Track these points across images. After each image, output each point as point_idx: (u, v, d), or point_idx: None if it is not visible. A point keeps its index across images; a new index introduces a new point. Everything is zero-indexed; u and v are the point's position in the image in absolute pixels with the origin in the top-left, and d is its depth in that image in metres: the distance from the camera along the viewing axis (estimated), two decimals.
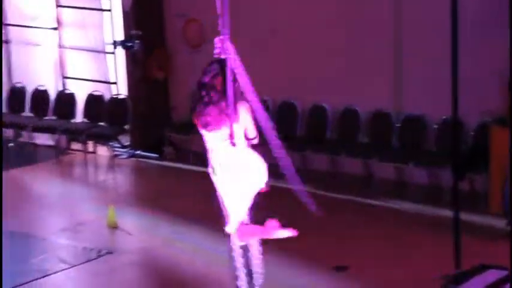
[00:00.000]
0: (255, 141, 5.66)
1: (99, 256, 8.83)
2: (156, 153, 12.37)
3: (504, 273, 7.94)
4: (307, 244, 8.95)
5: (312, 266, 8.33)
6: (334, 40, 11.17)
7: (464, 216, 8.18)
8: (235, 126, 5.45)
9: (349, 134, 11.18)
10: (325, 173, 11.21)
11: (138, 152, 12.62)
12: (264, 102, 11.40)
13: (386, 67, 10.85)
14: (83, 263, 8.66)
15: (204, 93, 5.53)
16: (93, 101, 12.91)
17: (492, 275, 7.91)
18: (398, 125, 10.84)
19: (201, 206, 10.19)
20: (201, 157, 11.58)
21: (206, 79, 5.55)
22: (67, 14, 13.25)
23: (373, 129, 11.04)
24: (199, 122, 5.52)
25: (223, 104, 5.46)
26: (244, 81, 5.48)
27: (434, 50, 10.05)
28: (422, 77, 10.51)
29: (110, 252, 8.93)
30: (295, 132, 11.54)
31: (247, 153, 5.55)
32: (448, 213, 8.40)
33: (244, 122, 5.52)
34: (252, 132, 5.60)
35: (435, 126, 10.53)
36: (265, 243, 5.98)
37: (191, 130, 12.05)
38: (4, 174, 11.78)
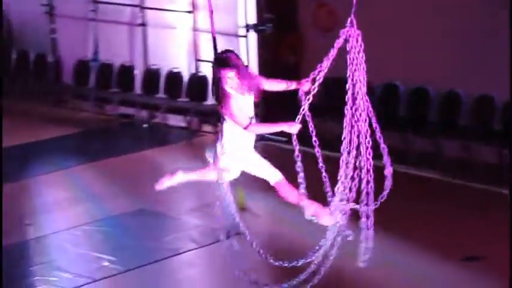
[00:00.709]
0: None
1: (228, 237, 8.96)
2: (284, 137, 12.42)
3: None
4: (437, 233, 8.86)
5: (442, 256, 8.21)
6: (469, 25, 10.93)
7: None
8: None
9: (483, 121, 10.97)
10: (459, 161, 11.01)
11: (266, 135, 12.72)
12: (395, 88, 11.53)
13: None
14: (212, 243, 8.82)
15: None
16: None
17: None
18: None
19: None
20: (330, 141, 11.63)
21: None
22: None
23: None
24: None
25: None
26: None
27: None
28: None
29: (238, 234, 9.05)
30: (426, 118, 11.40)
31: None
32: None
33: None
34: None
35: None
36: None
37: (320, 114, 12.09)
38: (138, 154, 12.19)
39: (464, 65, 10.98)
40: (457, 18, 11.03)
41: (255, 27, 12.87)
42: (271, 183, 6.27)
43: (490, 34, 10.79)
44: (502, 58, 10.48)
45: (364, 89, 5.78)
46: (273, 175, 6.26)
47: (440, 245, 8.45)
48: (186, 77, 13.58)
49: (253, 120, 6.06)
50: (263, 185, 11.02)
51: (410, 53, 11.40)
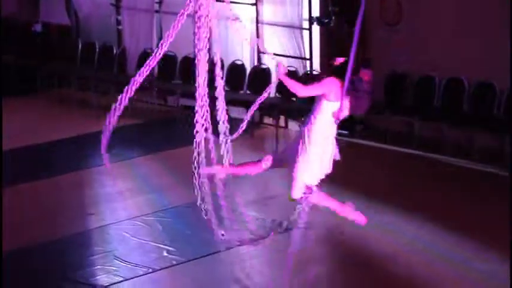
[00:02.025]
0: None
1: (286, 230, 8.98)
2: (347, 130, 12.39)
3: None
4: (496, 228, 8.74)
5: (503, 251, 8.10)
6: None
7: None
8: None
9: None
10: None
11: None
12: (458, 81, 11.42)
13: None
14: (271, 235, 8.83)
15: None
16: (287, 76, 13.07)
17: None
18: None
19: (389, 184, 10.22)
20: (392, 136, 11.56)
21: None
22: None
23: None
24: None
25: None
26: None
27: None
28: None
29: (296, 227, 9.06)
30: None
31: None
32: None
33: None
34: None
35: None
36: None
37: (383, 109, 12.06)
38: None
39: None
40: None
41: (318, 20, 12.83)
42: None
43: None
44: None
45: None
46: None
47: (502, 240, 8.34)
48: (248, 69, 13.61)
49: None
50: (323, 178, 11.03)
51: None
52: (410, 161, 11.17)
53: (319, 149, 6.75)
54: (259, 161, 7.14)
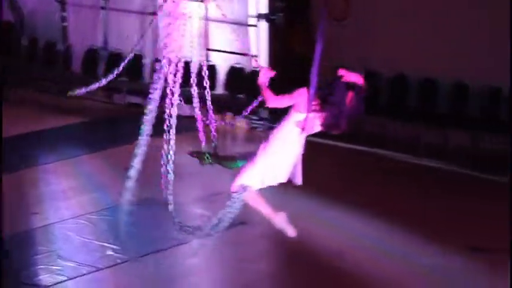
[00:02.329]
0: None
1: (233, 226, 8.92)
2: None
3: None
4: (446, 222, 8.81)
5: (450, 245, 8.16)
6: (477, 14, 10.85)
7: None
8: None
9: (491, 111, 10.91)
10: (466, 150, 10.95)
11: (275, 125, 12.66)
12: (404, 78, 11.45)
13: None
14: (217, 232, 8.77)
15: None
16: (234, 73, 13.03)
17: None
18: None
19: (336, 181, 10.23)
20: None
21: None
22: None
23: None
24: None
25: None
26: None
27: None
28: None
29: (243, 223, 9.02)
30: (435, 109, 11.36)
31: None
32: None
33: None
34: None
35: None
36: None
37: None
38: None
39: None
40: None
41: (266, 16, 12.81)
42: None
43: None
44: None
45: None
46: None
47: (450, 234, 8.40)
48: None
49: None
50: None
51: (419, 44, 11.35)
52: (357, 157, 11.21)
53: (274, 156, 6.52)
54: None
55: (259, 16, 12.91)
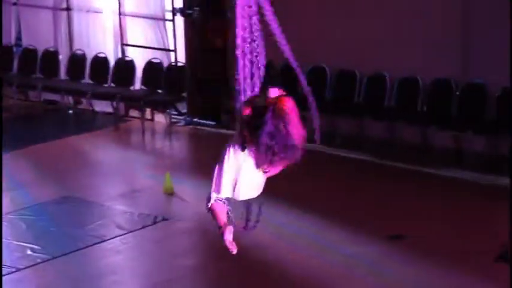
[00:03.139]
0: None
1: (155, 222, 8.89)
2: (213, 121, 12.39)
3: None
4: (365, 212, 8.93)
5: (370, 234, 8.28)
6: (398, 6, 10.99)
7: None
8: None
9: (408, 102, 11.04)
10: (383, 141, 11.10)
11: (195, 119, 12.66)
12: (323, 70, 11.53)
13: (453, 36, 10.65)
14: (139, 229, 8.73)
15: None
16: (151, 68, 12.95)
17: None
18: (458, 93, 10.67)
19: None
20: None
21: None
22: None
23: (433, 97, 10.87)
24: None
25: None
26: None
27: (497, 16, 9.86)
28: (486, 45, 10.31)
29: (165, 219, 8.99)
30: (353, 100, 11.44)
31: None
32: (506, 181, 8.29)
33: None
34: None
35: (496, 94, 10.32)
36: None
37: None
38: (63, 140, 12.01)
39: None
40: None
41: (181, 11, 12.76)
42: None
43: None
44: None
45: None
46: None
47: (368, 224, 8.51)
48: (112, 62, 13.40)
49: None
50: (190, 170, 11.04)
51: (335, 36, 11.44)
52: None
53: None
54: None
55: (175, 10, 12.84)
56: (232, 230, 5.00)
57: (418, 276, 7.42)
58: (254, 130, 4.54)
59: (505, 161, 9.68)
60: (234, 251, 4.95)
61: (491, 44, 10.23)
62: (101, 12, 13.57)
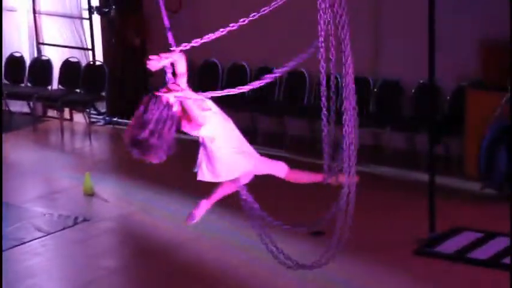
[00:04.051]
0: None
1: (76, 224, 8.80)
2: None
3: (478, 235, 8.02)
4: (283, 208, 8.98)
5: (288, 231, 8.33)
6: (311, 3, 11.09)
7: (439, 180, 8.24)
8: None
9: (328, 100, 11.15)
10: (303, 138, 11.21)
11: (114, 119, 12.56)
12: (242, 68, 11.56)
13: (365, 32, 10.80)
14: (59, 230, 8.63)
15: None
16: (69, 67, 12.80)
17: (466, 237, 7.99)
18: (375, 90, 10.83)
19: (178, 173, 10.23)
20: None
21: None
22: None
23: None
24: None
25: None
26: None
27: (412, 12, 10.03)
28: (400, 40, 10.49)
29: (86, 220, 8.90)
30: (273, 97, 11.54)
31: None
32: (423, 177, 8.45)
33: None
34: None
35: (412, 91, 10.52)
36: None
37: None
38: None
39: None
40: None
41: (98, 9, 12.64)
42: None
43: None
44: None
45: None
46: None
47: (288, 220, 8.56)
48: (28, 61, 13.19)
49: None
50: (110, 170, 10.95)
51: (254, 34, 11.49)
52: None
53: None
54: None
55: (92, 9, 12.72)
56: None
57: (339, 270, 7.51)
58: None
59: (423, 157, 9.91)
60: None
61: (402, 40, 10.44)
62: (15, 11, 13.36)
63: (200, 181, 5.26)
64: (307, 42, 5.90)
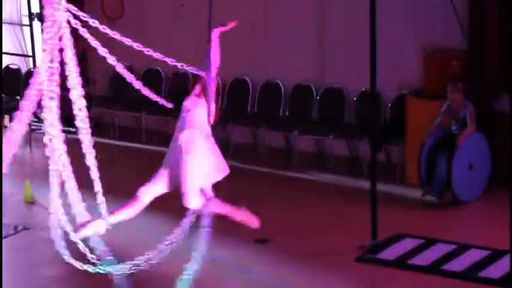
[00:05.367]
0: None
1: (16, 232, 8.69)
2: (74, 127, 12.18)
3: (419, 241, 8.13)
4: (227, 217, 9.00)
5: (233, 238, 8.34)
6: (256, 12, 11.14)
7: (381, 187, 8.33)
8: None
9: (271, 107, 11.21)
10: (246, 146, 11.23)
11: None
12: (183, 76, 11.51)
13: (308, 40, 10.88)
14: None
15: None
16: (9, 74, 12.64)
17: (408, 244, 8.09)
18: (318, 97, 10.91)
19: (119, 180, 10.17)
20: (122, 131, 11.44)
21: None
22: None
23: (294, 102, 11.08)
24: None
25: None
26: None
27: (354, 21, 10.13)
28: (343, 49, 10.58)
29: (27, 228, 8.80)
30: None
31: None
32: (366, 184, 8.53)
33: None
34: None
35: (354, 99, 10.62)
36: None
37: (110, 104, 12.01)
38: None
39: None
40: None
41: (39, 16, 12.52)
42: None
43: None
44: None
45: None
46: None
47: (233, 228, 8.57)
48: None
49: None
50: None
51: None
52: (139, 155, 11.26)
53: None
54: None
55: (32, 15, 12.59)
56: None
57: (282, 278, 7.54)
58: None
59: (365, 164, 10.02)
60: None
61: (345, 48, 10.53)
62: None
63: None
64: None
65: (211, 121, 5.78)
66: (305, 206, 9.32)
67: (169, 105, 5.83)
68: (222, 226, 8.51)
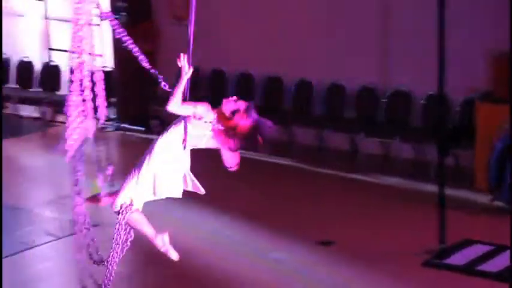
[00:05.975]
0: None
1: (86, 229, 8.78)
2: (143, 126, 12.34)
3: (488, 248, 8.02)
4: (292, 218, 9.01)
5: (297, 240, 8.35)
6: (319, 15, 11.14)
7: (449, 191, 8.24)
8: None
9: (336, 109, 11.20)
10: (312, 148, 11.23)
11: (124, 125, 12.59)
12: (250, 76, 11.61)
13: (374, 42, 10.84)
14: (68, 235, 8.63)
15: None
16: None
17: (476, 250, 7.98)
18: (385, 100, 10.85)
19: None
20: None
21: None
22: None
23: (359, 104, 11.05)
24: None
25: None
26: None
27: (421, 24, 10.05)
28: (410, 51, 10.51)
29: (95, 225, 8.89)
30: (281, 107, 11.55)
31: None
32: (433, 188, 8.45)
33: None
34: None
35: (421, 102, 10.54)
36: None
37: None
38: None
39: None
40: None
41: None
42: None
43: None
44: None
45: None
46: None
47: (297, 230, 8.58)
48: (38, 66, 13.24)
49: None
50: (120, 175, 10.91)
51: (265, 44, 11.54)
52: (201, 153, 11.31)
53: (161, 168, 5.40)
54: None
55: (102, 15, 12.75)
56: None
57: (347, 281, 7.52)
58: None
59: (432, 168, 9.93)
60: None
61: (412, 51, 10.46)
62: (23, 16, 13.42)
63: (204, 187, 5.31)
64: None
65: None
66: (369, 209, 9.27)
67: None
68: (285, 228, 8.59)
